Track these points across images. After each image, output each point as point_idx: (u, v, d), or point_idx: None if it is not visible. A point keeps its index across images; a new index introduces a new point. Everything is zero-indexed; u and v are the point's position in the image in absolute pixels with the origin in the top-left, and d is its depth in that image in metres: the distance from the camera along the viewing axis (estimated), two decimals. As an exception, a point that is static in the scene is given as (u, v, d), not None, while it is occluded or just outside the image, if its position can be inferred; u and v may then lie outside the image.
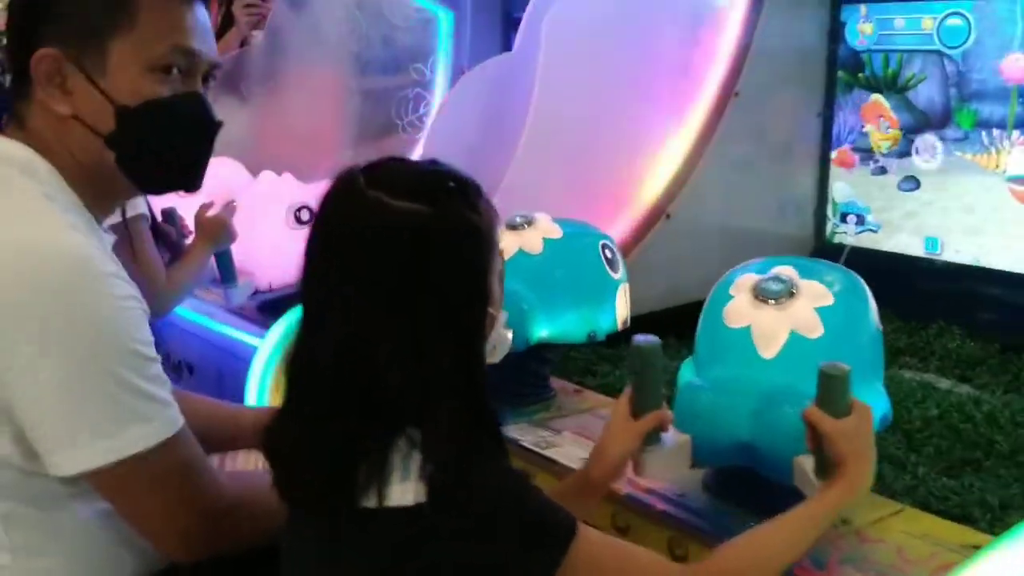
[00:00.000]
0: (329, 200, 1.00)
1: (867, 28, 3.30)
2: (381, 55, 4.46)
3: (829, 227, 3.48)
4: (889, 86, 3.31)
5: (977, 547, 1.32)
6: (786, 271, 1.39)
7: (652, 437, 1.26)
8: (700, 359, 1.45)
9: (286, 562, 1.07)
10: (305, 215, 2.78)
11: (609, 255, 1.88)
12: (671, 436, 1.29)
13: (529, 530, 0.94)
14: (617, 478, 1.29)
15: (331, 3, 4.16)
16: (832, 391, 1.15)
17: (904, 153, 3.28)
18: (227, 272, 2.55)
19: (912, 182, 3.31)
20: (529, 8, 2.56)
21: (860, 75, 3.37)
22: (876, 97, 3.35)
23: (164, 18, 1.16)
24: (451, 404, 0.95)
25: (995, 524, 1.65)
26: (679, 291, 2.89)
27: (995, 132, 3.07)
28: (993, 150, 3.10)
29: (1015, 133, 3.00)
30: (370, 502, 0.93)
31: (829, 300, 1.36)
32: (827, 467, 1.16)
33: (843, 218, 3.45)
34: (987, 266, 3.02)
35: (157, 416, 1.13)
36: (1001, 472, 1.94)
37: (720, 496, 1.48)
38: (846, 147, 3.42)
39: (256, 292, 2.72)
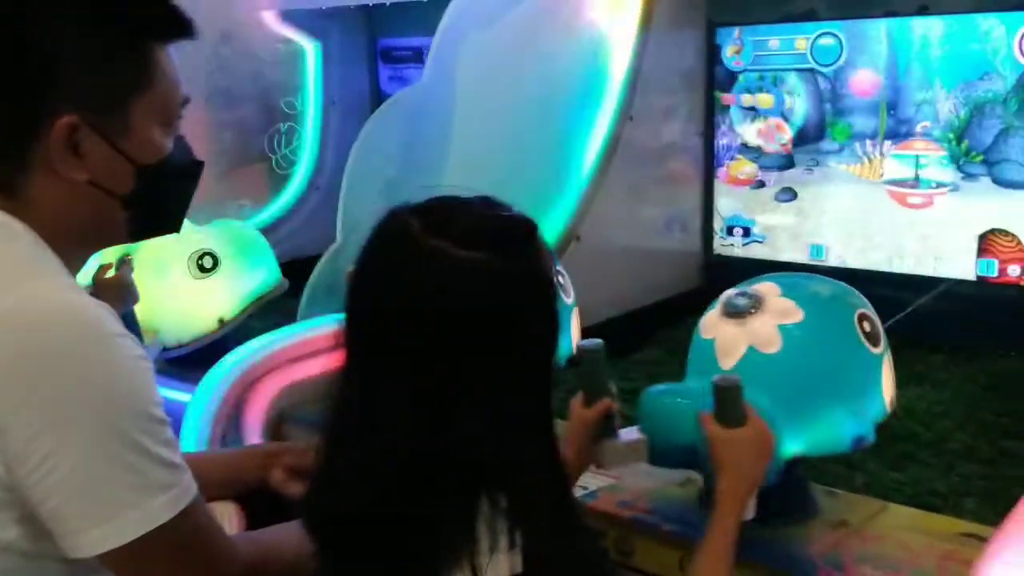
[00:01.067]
0: (381, 252, 0.92)
1: (741, 49, 3.47)
2: (250, 89, 4.37)
3: (716, 241, 3.63)
4: (764, 104, 3.50)
5: (966, 534, 1.41)
6: (763, 287, 1.44)
7: (607, 430, 1.30)
8: (687, 369, 1.49)
9: None
10: (209, 262, 2.64)
11: (561, 280, 1.89)
12: (630, 433, 1.33)
13: None
14: (585, 466, 1.32)
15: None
16: (720, 401, 1.22)
17: (785, 166, 3.47)
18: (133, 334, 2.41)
19: (789, 193, 3.49)
20: (437, 39, 2.56)
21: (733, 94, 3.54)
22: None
23: (171, 72, 1.13)
24: (539, 462, 0.91)
25: (958, 510, 1.76)
26: (591, 311, 2.94)
27: (868, 143, 3.28)
28: (866, 160, 3.32)
29: (887, 143, 3.23)
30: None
31: (797, 318, 1.40)
32: None
33: (729, 231, 3.60)
34: (871, 268, 3.23)
35: (177, 482, 1.06)
36: (932, 461, 2.07)
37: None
38: (729, 163, 3.59)
39: (164, 350, 2.59)
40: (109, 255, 2.37)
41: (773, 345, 1.39)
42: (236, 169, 4.29)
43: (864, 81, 3.23)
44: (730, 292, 1.48)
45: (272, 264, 2.90)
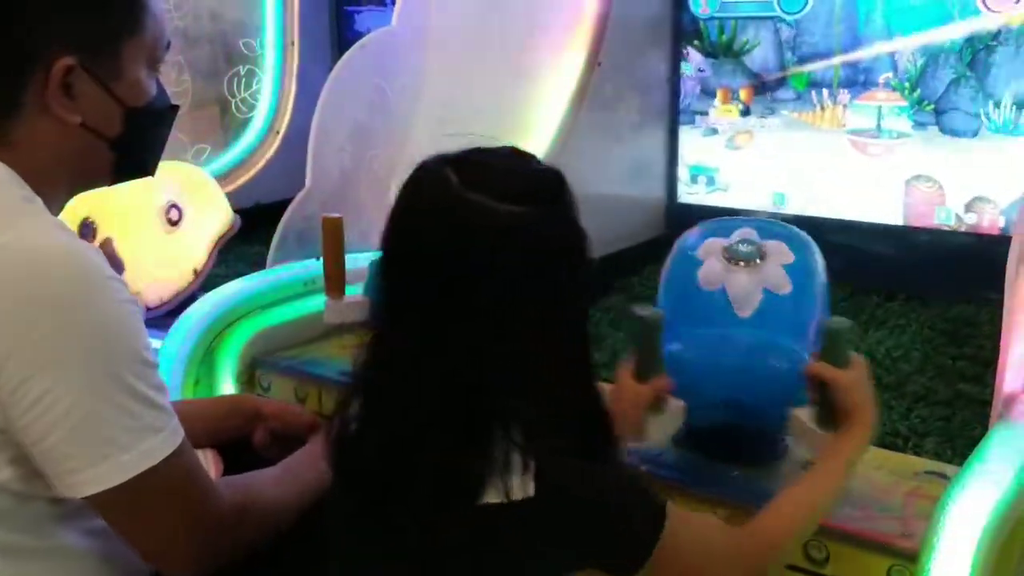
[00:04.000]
0: (418, 204, 0.95)
1: (707, -4, 3.48)
2: (209, 30, 4.28)
3: (680, 188, 3.66)
4: (725, 52, 3.51)
5: (929, 472, 1.47)
6: (750, 233, 1.46)
7: (654, 404, 1.30)
8: (679, 323, 1.50)
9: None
10: (175, 214, 2.64)
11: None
12: (670, 402, 1.34)
13: (635, 520, 0.98)
14: (624, 437, 1.32)
15: (152, -24, 3.92)
16: (837, 344, 1.22)
17: (742, 113, 3.50)
18: None
19: (738, 141, 3.52)
20: (407, -19, 2.53)
21: (696, 43, 3.55)
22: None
23: (159, 15, 1.14)
24: (572, 403, 0.97)
25: (918, 450, 1.83)
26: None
27: (824, 92, 3.32)
28: (819, 108, 3.36)
29: (843, 92, 3.27)
30: (492, 498, 0.92)
31: (791, 258, 1.44)
32: (831, 417, 1.22)
33: (694, 179, 3.63)
34: (829, 216, 3.29)
35: (165, 425, 1.07)
36: (893, 404, 2.14)
37: (689, 449, 1.55)
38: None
39: (148, 310, 2.60)
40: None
41: (785, 287, 1.42)
42: (194, 112, 4.22)
43: (825, 29, 3.25)
44: (718, 241, 1.49)
45: (223, 203, 2.90)
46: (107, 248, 2.34)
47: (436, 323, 0.93)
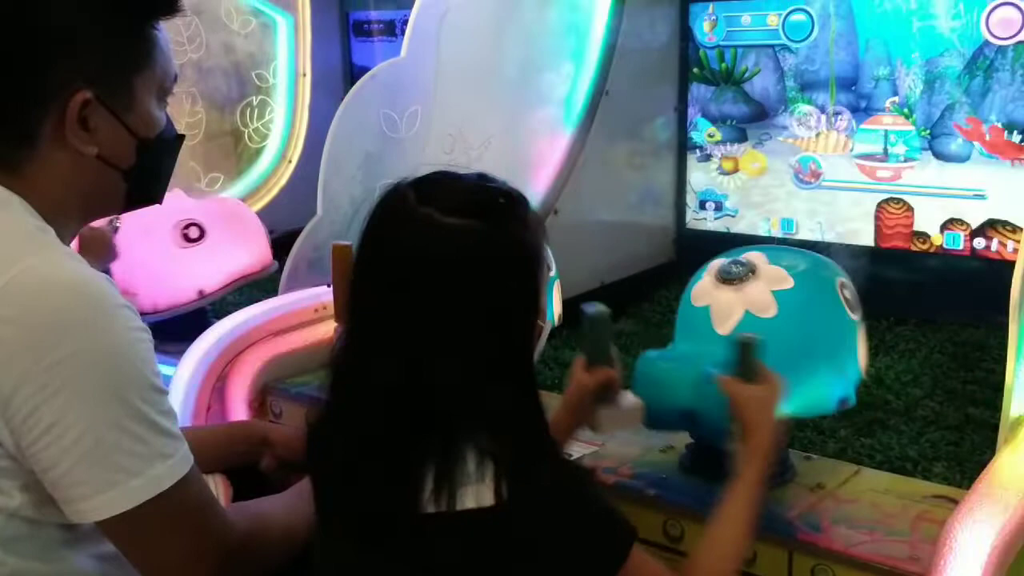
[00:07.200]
0: (379, 217, 1.01)
1: (713, 26, 3.50)
2: (223, 62, 4.33)
3: (689, 214, 3.67)
4: (726, 79, 3.53)
5: (937, 496, 1.47)
6: (753, 256, 1.48)
7: (607, 396, 1.32)
8: (675, 336, 1.53)
9: None
10: (194, 232, 2.66)
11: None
12: (627, 398, 1.36)
13: (599, 534, 1.00)
14: (580, 426, 1.34)
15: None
16: (740, 356, 1.24)
17: (739, 140, 3.52)
18: None
19: (730, 165, 3.54)
20: (415, 13, 2.56)
21: (696, 70, 3.57)
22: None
23: (167, 48, 1.16)
24: (514, 412, 0.98)
25: (927, 474, 1.83)
26: (567, 284, 2.97)
27: (821, 117, 3.33)
28: (814, 134, 3.37)
29: (841, 117, 3.27)
30: (441, 506, 0.95)
31: (788, 284, 1.44)
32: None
33: (702, 205, 3.64)
34: (837, 241, 3.29)
35: (175, 451, 1.09)
36: (903, 428, 2.14)
37: (696, 474, 1.55)
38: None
39: (141, 314, 2.59)
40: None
41: (769, 310, 1.43)
42: (207, 142, 4.27)
43: (825, 56, 3.27)
44: (720, 261, 1.52)
45: (263, 243, 2.87)
46: (107, 228, 2.32)
47: (392, 334, 0.97)
